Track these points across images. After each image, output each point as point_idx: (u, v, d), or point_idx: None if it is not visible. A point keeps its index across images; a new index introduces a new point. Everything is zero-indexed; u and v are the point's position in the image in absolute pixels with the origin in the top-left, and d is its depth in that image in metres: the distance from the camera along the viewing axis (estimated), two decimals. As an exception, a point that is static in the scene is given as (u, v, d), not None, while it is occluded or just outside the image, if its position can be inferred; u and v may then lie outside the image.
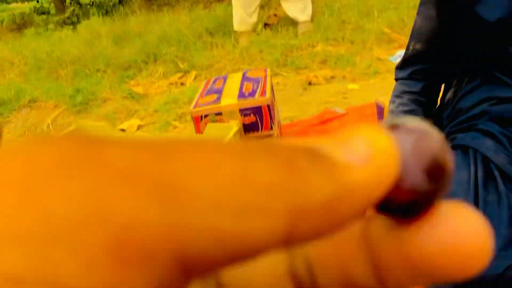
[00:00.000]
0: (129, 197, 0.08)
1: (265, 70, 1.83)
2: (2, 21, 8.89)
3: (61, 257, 0.07)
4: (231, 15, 3.62)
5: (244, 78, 1.75)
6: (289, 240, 0.09)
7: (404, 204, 0.11)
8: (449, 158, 0.11)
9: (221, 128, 1.48)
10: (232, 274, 0.13)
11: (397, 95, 1.07)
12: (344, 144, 0.10)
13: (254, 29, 3.60)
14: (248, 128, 1.53)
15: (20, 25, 8.30)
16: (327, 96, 2.29)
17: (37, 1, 9.60)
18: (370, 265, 0.12)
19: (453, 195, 0.86)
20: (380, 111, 1.71)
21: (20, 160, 0.08)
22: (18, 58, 4.27)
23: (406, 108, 1.03)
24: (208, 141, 0.09)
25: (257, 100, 1.50)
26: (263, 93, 1.53)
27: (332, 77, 2.60)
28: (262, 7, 4.37)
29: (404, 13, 3.13)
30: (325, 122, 1.93)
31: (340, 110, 1.98)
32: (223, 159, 0.09)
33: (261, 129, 1.53)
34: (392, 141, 0.10)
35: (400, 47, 2.73)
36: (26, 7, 12.49)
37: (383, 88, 2.22)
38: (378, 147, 0.10)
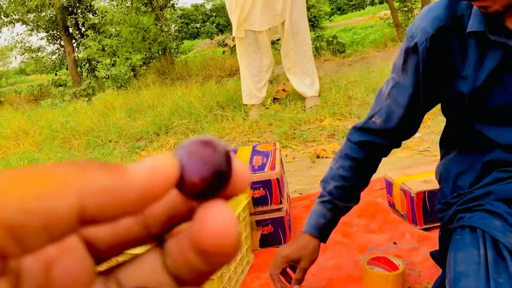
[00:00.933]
0: None
1: (275, 144, 1.86)
2: (21, 92, 9.24)
3: None
4: (241, 89, 3.75)
5: (254, 151, 1.78)
6: (85, 216, 0.15)
7: (192, 191, 0.17)
8: (222, 159, 0.17)
9: (230, 201, 1.48)
10: (127, 274, 0.18)
11: (341, 156, 1.13)
12: (138, 162, 0.16)
13: (263, 103, 3.71)
14: (257, 202, 1.53)
15: (38, 96, 8.61)
16: (335, 170, 2.30)
17: (56, 74, 10.02)
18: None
19: (463, 275, 0.85)
20: (388, 185, 1.72)
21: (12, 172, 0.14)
22: (34, 128, 4.39)
23: (343, 173, 1.10)
24: (30, 168, 0.15)
25: (266, 174, 1.52)
26: (272, 167, 1.55)
27: (340, 151, 2.63)
28: (271, 82, 4.54)
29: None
30: (334, 196, 1.92)
31: (348, 184, 1.99)
32: (33, 170, 0.14)
33: (271, 203, 1.53)
34: (170, 155, 0.17)
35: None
36: (45, 78, 13.05)
37: (391, 162, 2.24)
38: (158, 160, 0.16)
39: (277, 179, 1.51)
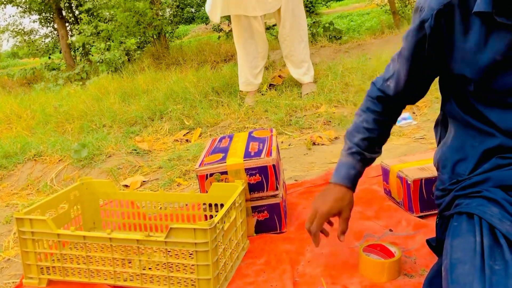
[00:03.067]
0: None
1: (271, 130, 1.85)
2: (13, 75, 9.14)
3: None
4: (237, 75, 3.71)
5: (250, 137, 1.77)
6: None
7: None
8: None
9: (226, 187, 1.48)
10: None
11: (363, 110, 1.21)
12: None
13: (259, 90, 3.68)
14: (253, 188, 1.52)
15: (31, 79, 8.52)
16: (331, 157, 2.29)
17: (49, 57, 9.90)
18: None
19: (459, 262, 0.85)
20: (385, 173, 1.71)
21: None
22: (26, 112, 4.34)
23: (368, 126, 1.18)
24: None
25: (263, 160, 1.50)
26: (269, 153, 1.54)
27: (336, 138, 2.62)
28: (267, 68, 4.50)
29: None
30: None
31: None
32: None
33: (267, 189, 1.52)
34: None
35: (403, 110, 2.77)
36: (38, 62, 12.89)
37: (387, 150, 2.23)
38: None
39: (273, 166, 1.50)
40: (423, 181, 1.51)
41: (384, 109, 1.18)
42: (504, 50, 0.88)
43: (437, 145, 1.17)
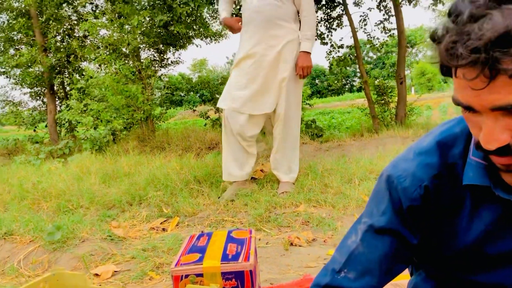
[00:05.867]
0: None
1: (250, 231, 1.86)
2: (-6, 144, 9.08)
3: None
4: (220, 165, 3.78)
5: (229, 238, 1.78)
6: None
7: None
8: None
9: (201, 291, 1.46)
10: None
11: None
12: None
13: (243, 183, 3.71)
14: (228, 293, 1.51)
15: (11, 150, 8.47)
16: (308, 260, 2.29)
17: (34, 130, 9.93)
18: None
19: None
20: None
21: None
22: (3, 186, 4.28)
23: None
24: None
25: (240, 265, 1.50)
26: (246, 257, 1.55)
27: (314, 240, 2.64)
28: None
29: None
30: (304, 289, 1.90)
31: (320, 278, 1.98)
32: None
33: (241, 295, 1.51)
34: None
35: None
36: (21, 133, 12.87)
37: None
38: None
39: (250, 271, 1.50)
40: (397, 297, 1.52)
41: None
42: (497, 222, 0.84)
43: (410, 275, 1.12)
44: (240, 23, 3.64)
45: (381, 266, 0.90)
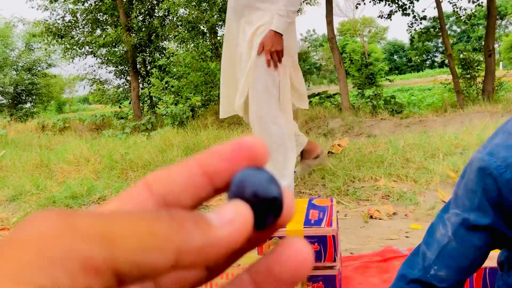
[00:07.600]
0: (88, 244, 0.16)
1: (331, 200, 1.86)
2: (84, 120, 9.78)
3: (60, 276, 0.15)
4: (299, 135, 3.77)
5: (310, 204, 1.79)
6: (177, 266, 0.17)
7: (262, 228, 0.19)
8: (279, 189, 0.19)
9: (284, 253, 1.49)
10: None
11: None
12: (219, 212, 0.18)
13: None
14: (311, 257, 1.53)
15: (99, 125, 9.07)
16: (389, 233, 2.26)
17: (119, 107, 10.54)
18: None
19: None
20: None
21: (35, 227, 0.16)
22: (94, 157, 4.61)
23: None
24: (134, 212, 0.17)
25: (322, 230, 1.52)
26: (329, 223, 1.55)
27: (394, 213, 2.59)
28: (325, 135, 4.56)
29: (470, 158, 3.14)
30: (386, 260, 1.88)
31: (403, 250, 1.94)
32: (140, 222, 0.17)
33: (324, 259, 1.52)
34: (242, 204, 0.19)
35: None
36: (107, 109, 13.73)
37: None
38: (238, 212, 0.18)
39: (333, 236, 1.51)
40: (487, 270, 1.46)
41: None
42: None
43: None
44: None
45: (474, 262, 0.85)
